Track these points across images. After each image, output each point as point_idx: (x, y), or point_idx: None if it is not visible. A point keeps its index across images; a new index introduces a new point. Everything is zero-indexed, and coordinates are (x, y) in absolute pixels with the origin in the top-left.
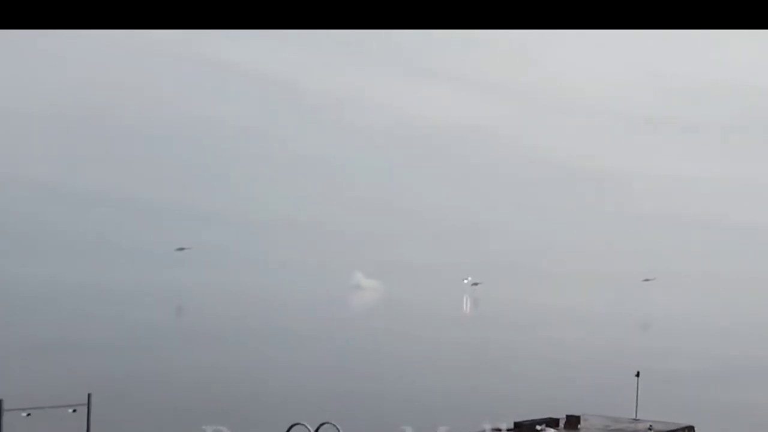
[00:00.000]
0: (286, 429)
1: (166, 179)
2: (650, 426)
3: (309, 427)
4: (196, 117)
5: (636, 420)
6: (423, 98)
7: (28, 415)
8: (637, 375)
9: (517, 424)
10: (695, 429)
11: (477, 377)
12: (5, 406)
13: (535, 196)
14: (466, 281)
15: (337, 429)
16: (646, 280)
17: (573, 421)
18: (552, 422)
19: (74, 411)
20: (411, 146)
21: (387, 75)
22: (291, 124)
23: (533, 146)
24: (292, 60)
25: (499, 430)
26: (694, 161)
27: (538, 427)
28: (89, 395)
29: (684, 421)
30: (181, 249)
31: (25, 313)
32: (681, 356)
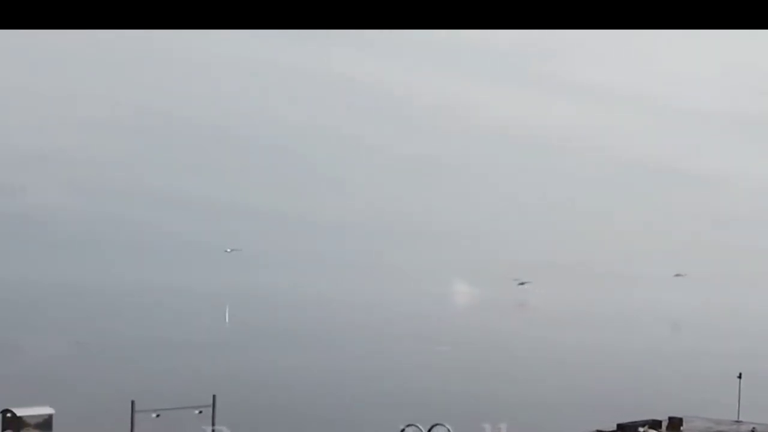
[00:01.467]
0: (400, 430)
1: (273, 186)
2: (753, 428)
3: (421, 428)
4: (308, 126)
5: (738, 422)
6: (515, 103)
7: (158, 416)
8: (739, 377)
9: (620, 426)
10: None
11: (568, 379)
12: (137, 407)
13: (627, 198)
14: (516, 281)
15: (448, 430)
16: (677, 275)
17: (675, 423)
18: (655, 424)
19: (200, 412)
20: (491, 149)
21: (486, 80)
22: (392, 129)
23: (624, 150)
24: (393, 67)
25: None
26: None
27: (641, 429)
28: (214, 396)
29: None
30: (232, 250)
31: (145, 314)
32: None
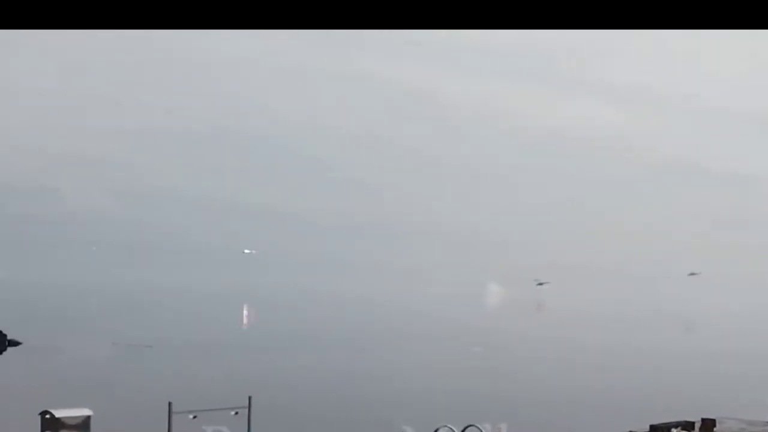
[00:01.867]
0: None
1: (306, 189)
2: None
3: (455, 430)
4: (310, 126)
5: None
6: (555, 106)
7: (194, 417)
8: None
9: (653, 427)
10: None
11: (609, 378)
12: (174, 408)
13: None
14: (535, 281)
15: (480, 431)
16: (692, 274)
17: (708, 424)
18: (687, 425)
19: (236, 413)
20: (547, 153)
21: (528, 84)
22: (430, 133)
23: (663, 151)
24: (432, 69)
25: None
26: None
27: (674, 430)
28: (249, 398)
29: None
30: (251, 252)
31: (175, 317)
32: None
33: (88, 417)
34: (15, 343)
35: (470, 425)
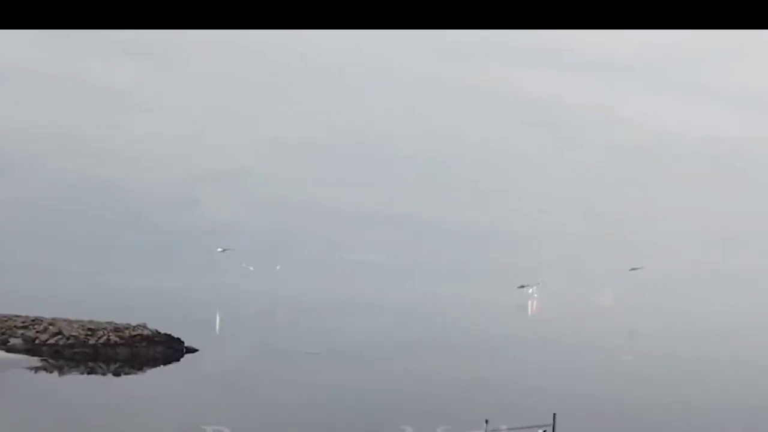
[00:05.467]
0: None
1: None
2: None
3: None
4: (463, 139)
5: None
6: (671, 112)
7: None
8: None
9: None
10: None
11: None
12: (490, 426)
13: None
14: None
15: None
16: (633, 269)
17: None
18: None
19: (543, 431)
20: (659, 161)
21: (636, 90)
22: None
23: None
24: (543, 78)
25: None
26: None
27: None
28: (554, 415)
29: None
30: (224, 250)
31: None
32: None
33: None
34: (192, 350)
35: None
